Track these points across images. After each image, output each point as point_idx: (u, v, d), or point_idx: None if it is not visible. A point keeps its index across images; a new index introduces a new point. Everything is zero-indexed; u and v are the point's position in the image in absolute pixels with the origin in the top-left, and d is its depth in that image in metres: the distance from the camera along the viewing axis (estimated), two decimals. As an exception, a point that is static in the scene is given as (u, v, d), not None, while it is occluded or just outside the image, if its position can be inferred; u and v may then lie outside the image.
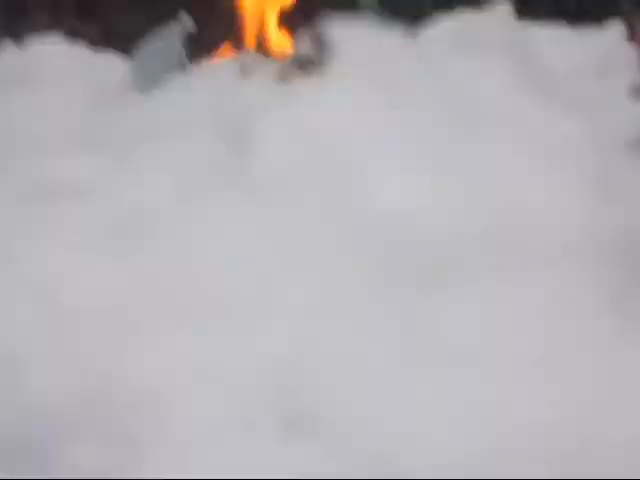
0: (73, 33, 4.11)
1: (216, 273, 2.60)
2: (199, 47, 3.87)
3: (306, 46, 3.87)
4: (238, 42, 3.93)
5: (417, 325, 2.35)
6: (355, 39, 2.86)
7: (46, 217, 2.87)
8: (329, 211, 2.61)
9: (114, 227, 2.77)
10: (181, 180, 2.84)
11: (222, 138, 3.00)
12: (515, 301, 2.38)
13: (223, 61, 3.71)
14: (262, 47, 3.93)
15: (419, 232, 2.55)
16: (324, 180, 2.65)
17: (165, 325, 2.50)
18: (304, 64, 3.88)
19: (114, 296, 2.61)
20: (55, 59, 3.68)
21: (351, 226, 2.56)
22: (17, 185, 3.04)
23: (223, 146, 2.94)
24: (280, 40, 3.97)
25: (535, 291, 2.40)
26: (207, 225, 2.69)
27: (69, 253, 2.72)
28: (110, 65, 3.77)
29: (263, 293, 2.51)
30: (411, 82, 2.79)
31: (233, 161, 2.82)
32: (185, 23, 3.74)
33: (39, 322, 2.59)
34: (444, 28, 3.20)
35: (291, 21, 4.02)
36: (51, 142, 3.26)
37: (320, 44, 3.75)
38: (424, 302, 2.38)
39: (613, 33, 3.41)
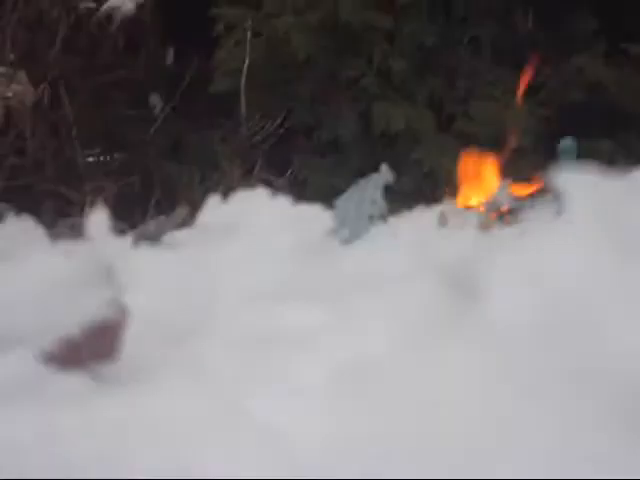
0: (266, 186, 4.24)
1: (446, 418, 2.58)
2: (394, 197, 3.96)
3: (506, 196, 3.93)
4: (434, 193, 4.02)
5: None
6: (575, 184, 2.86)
7: (268, 364, 2.91)
8: (562, 356, 2.58)
9: (338, 372, 2.78)
10: (403, 326, 2.85)
11: (438, 285, 3.02)
12: None
13: (420, 211, 3.78)
14: (461, 197, 4.02)
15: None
16: (556, 326, 2.63)
17: (399, 468, 2.48)
18: (504, 213, 3.93)
19: (341, 439, 2.60)
20: (259, 211, 3.80)
21: (589, 373, 2.52)
22: (234, 332, 3.10)
23: (441, 293, 2.96)
24: (478, 190, 4.05)
25: None
26: (435, 372, 2.68)
27: (294, 397, 2.74)
28: (310, 216, 3.86)
29: (499, 439, 2.47)
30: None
31: (456, 308, 2.82)
32: (385, 174, 3.84)
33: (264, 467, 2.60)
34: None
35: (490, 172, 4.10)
36: (262, 290, 3.33)
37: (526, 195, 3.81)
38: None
39: None
